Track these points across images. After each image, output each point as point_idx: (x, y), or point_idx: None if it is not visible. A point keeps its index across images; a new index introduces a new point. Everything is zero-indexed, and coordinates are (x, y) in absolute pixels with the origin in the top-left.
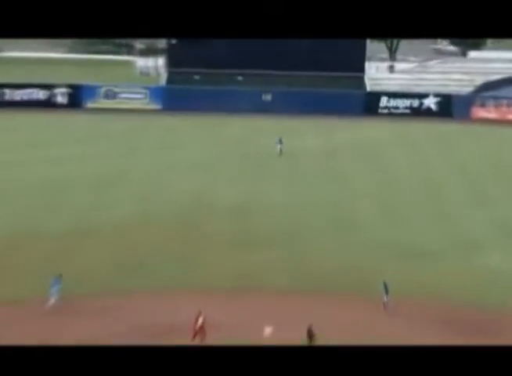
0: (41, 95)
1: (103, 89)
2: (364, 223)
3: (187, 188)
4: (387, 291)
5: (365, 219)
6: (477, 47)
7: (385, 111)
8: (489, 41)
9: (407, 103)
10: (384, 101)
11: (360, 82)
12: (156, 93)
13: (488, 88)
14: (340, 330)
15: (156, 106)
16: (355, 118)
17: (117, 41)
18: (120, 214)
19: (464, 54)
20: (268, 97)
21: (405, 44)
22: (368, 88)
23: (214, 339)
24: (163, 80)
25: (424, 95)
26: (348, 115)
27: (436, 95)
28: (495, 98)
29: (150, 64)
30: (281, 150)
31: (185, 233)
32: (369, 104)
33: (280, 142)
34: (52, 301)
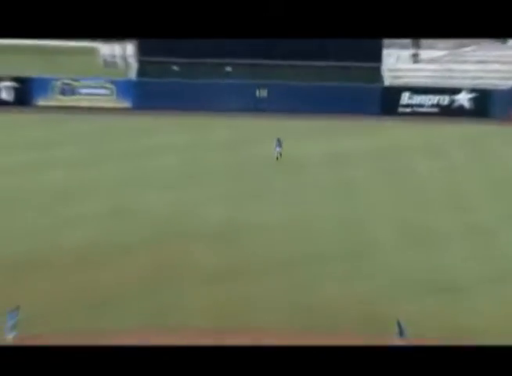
0: None
1: (59, 83)
2: (379, 248)
3: (163, 205)
4: (401, 333)
5: (381, 243)
6: None
7: (407, 110)
8: None
9: (434, 99)
10: (405, 98)
11: (376, 74)
12: (125, 88)
13: None
14: None
15: (125, 104)
16: (370, 119)
17: None
18: (81, 237)
19: (504, 40)
20: (263, 93)
21: None
22: (386, 82)
23: None
24: (133, 72)
25: (456, 91)
26: (362, 115)
27: (470, 90)
28: None
29: (117, 52)
30: (280, 155)
31: (160, 261)
32: (387, 101)
33: (279, 144)
34: (10, 337)
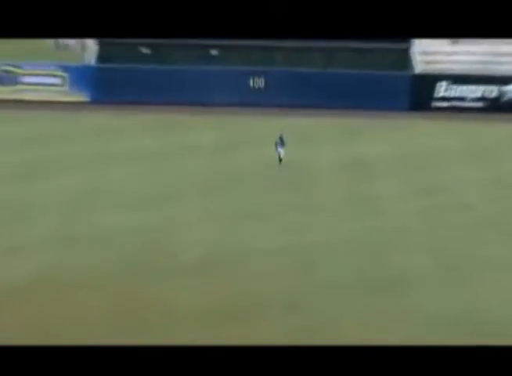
0: None
1: None
2: (409, 282)
3: (132, 229)
4: None
5: (412, 276)
6: None
7: (444, 105)
8: None
9: (479, 91)
10: (441, 89)
11: (404, 59)
12: (81, 77)
13: None
14: None
15: (81, 96)
16: (396, 116)
17: None
18: (24, 272)
19: None
20: (259, 82)
21: None
22: (417, 69)
23: None
24: (91, 55)
25: (507, 80)
26: (385, 111)
27: None
28: None
29: None
30: (281, 157)
31: (129, 301)
32: (418, 93)
33: (281, 143)
34: None
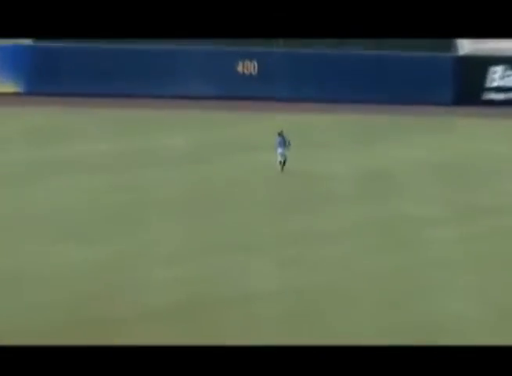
0: None
1: None
2: (453, 333)
3: (81, 265)
4: None
5: (456, 325)
6: None
7: (499, 97)
8: None
9: None
10: (495, 75)
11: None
12: (12, 60)
13: None
14: None
15: (12, 86)
16: (436, 112)
17: None
18: None
19: None
20: (250, 67)
21: None
22: (462, 50)
23: None
24: None
25: None
26: (421, 105)
27: None
28: None
29: None
30: (284, 162)
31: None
32: (464, 82)
33: (283, 142)
34: None
